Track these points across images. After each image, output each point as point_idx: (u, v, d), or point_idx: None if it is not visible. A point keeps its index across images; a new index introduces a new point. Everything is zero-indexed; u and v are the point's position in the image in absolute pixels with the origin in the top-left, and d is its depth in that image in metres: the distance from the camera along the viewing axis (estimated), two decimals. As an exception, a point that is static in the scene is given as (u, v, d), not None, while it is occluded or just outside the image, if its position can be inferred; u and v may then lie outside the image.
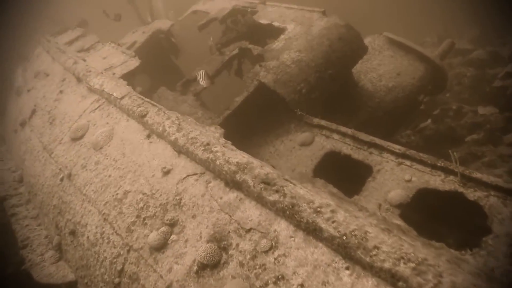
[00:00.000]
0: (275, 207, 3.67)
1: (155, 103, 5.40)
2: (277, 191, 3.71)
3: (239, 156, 4.12)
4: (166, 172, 4.59)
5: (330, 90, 7.57)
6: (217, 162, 4.13)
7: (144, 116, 5.18)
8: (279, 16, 8.46)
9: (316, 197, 3.56)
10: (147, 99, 5.53)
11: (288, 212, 3.55)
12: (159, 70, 10.65)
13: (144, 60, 10.15)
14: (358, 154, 6.42)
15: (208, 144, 4.35)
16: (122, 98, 5.71)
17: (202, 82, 6.84)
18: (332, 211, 3.35)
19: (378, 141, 6.30)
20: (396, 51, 9.11)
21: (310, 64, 7.38)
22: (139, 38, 10.51)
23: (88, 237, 4.99)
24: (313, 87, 7.33)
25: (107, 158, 5.31)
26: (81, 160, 5.61)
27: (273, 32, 8.56)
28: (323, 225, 3.28)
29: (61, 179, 5.74)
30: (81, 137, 5.91)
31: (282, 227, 3.59)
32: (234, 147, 4.43)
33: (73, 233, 5.28)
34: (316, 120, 7.08)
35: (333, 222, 3.26)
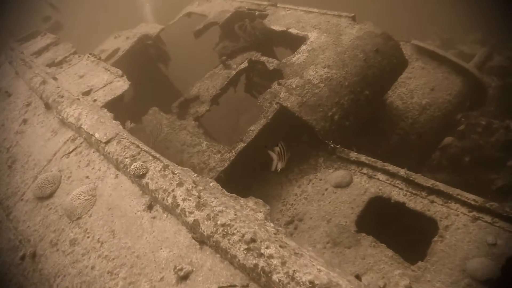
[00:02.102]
0: None
1: (156, 154, 3.58)
2: None
3: (312, 269, 2.38)
4: (183, 277, 2.79)
5: (366, 115, 5.89)
6: (274, 277, 2.39)
7: (143, 176, 3.37)
8: (297, 22, 6.69)
9: None
10: (145, 147, 3.71)
11: None
12: (146, 83, 8.74)
13: (128, 70, 8.27)
14: (415, 202, 4.78)
15: (253, 240, 2.59)
16: (107, 142, 3.87)
17: (277, 166, 4.73)
18: None
19: (442, 187, 4.66)
20: (428, 62, 7.49)
21: (343, 83, 5.67)
22: (123, 44, 8.57)
23: None
24: (347, 112, 5.63)
25: (88, 236, 3.47)
26: (50, 234, 3.75)
27: (289, 41, 6.81)
28: None
29: (22, 257, 3.86)
30: (50, 195, 4.04)
31: None
32: (295, 245, 2.67)
33: None
34: (353, 155, 5.39)
35: None
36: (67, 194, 3.92)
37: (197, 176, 3.32)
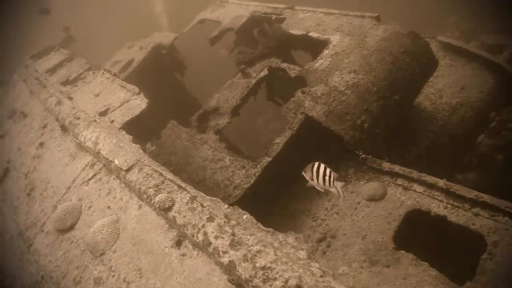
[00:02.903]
0: None
1: (181, 183, 3.28)
2: None
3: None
4: (222, 328, 2.50)
5: (397, 121, 5.52)
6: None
7: (169, 209, 3.07)
8: (317, 25, 6.33)
9: None
10: (169, 175, 3.41)
11: None
12: (162, 93, 8.47)
13: (143, 81, 8.01)
14: (458, 215, 4.40)
15: (298, 287, 2.27)
16: (128, 169, 3.59)
17: (334, 189, 4.12)
18: None
19: (488, 198, 4.28)
20: (456, 59, 7.05)
21: (371, 88, 5.31)
22: (136, 55, 8.31)
23: None
24: (377, 119, 5.27)
25: (113, 275, 3.20)
26: (73, 270, 3.49)
27: (310, 45, 6.46)
28: None
29: (45, 295, 3.62)
30: (71, 227, 3.78)
31: None
32: (347, 291, 2.35)
33: None
34: (386, 165, 5.03)
35: None
36: (88, 227, 3.66)
37: (228, 207, 3.01)
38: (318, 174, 3.96)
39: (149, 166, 3.51)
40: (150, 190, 3.28)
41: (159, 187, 3.25)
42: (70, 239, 3.73)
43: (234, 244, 2.62)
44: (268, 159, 5.08)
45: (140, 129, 5.19)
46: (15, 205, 4.75)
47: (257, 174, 5.02)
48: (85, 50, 10.40)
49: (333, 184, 3.84)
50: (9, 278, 4.26)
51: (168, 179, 3.30)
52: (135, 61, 8.04)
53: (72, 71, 6.31)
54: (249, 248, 2.56)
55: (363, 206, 4.98)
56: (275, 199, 5.46)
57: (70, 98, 5.36)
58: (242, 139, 11.90)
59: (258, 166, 5.09)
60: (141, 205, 3.44)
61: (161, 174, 3.37)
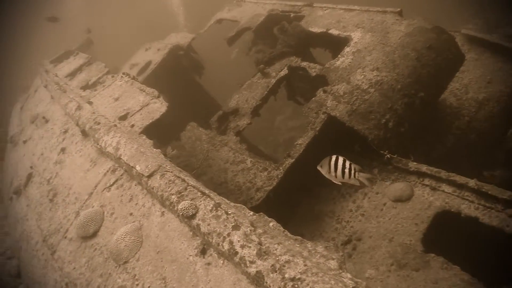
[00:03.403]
0: None
1: (204, 189, 3.19)
2: None
3: None
4: None
5: (422, 119, 5.33)
6: None
7: (192, 217, 2.98)
8: (337, 22, 6.16)
9: None
10: (191, 181, 3.32)
11: None
12: (181, 94, 8.42)
13: (161, 83, 7.97)
14: (490, 216, 4.20)
15: (331, 300, 2.16)
16: (150, 175, 3.52)
17: (355, 180, 3.91)
18: None
19: (522, 199, 4.08)
20: (481, 53, 6.79)
21: (395, 86, 5.12)
22: (154, 57, 8.28)
23: None
24: (401, 117, 5.09)
25: (137, 284, 3.13)
26: (97, 278, 3.44)
27: (330, 43, 6.30)
28: None
29: (70, 304, 3.58)
30: (94, 234, 3.74)
31: None
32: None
33: None
34: (412, 165, 4.85)
35: None
36: (111, 234, 3.60)
37: (253, 214, 2.90)
38: (336, 167, 3.82)
39: (171, 172, 3.42)
40: (173, 196, 3.20)
41: (182, 193, 3.16)
42: (93, 246, 3.68)
43: (261, 253, 2.51)
44: (290, 161, 4.96)
45: (160, 132, 5.13)
46: (38, 210, 4.75)
47: (279, 176, 4.91)
48: (103, 53, 10.45)
49: (355, 175, 3.69)
50: (35, 284, 4.25)
51: (191, 185, 3.21)
52: (153, 63, 8.02)
53: (91, 75, 6.30)
54: (277, 258, 2.45)
55: (389, 208, 4.82)
56: (297, 201, 5.34)
57: (90, 103, 5.34)
58: (260, 138, 11.79)
59: (281, 168, 4.97)
60: (163, 211, 3.36)
61: (183, 180, 3.29)
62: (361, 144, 5.12)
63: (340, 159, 3.82)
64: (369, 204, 4.99)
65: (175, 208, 3.14)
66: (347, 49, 5.63)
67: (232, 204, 3.04)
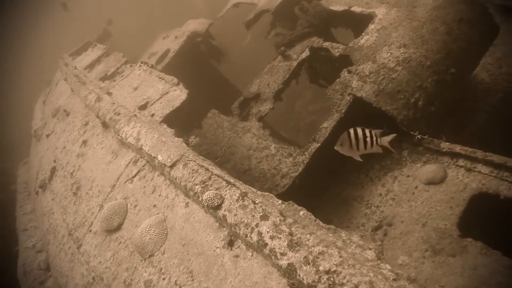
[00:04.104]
0: None
1: (230, 178, 3.02)
2: None
3: None
4: (284, 336, 2.25)
5: (454, 97, 5.03)
6: None
7: (218, 207, 2.83)
8: (359, -2, 5.86)
9: None
10: (215, 169, 3.16)
11: None
12: (200, 81, 8.26)
13: (181, 71, 7.82)
14: (531, 198, 3.93)
15: (372, 295, 1.97)
16: (172, 165, 3.38)
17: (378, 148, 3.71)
18: None
19: None
20: (515, 24, 6.37)
21: (424, 63, 4.83)
22: (172, 44, 8.12)
23: None
24: (431, 96, 4.80)
25: (163, 278, 3.01)
26: (123, 272, 3.35)
27: (353, 21, 6.01)
28: None
29: (98, 298, 3.51)
30: (118, 227, 3.64)
31: None
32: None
33: None
34: (445, 145, 4.58)
35: None
36: (135, 226, 3.49)
37: (282, 203, 2.73)
38: (357, 139, 3.60)
39: (194, 161, 3.27)
40: (197, 187, 3.05)
41: (206, 183, 3.01)
42: (118, 240, 3.58)
43: (293, 245, 2.34)
44: (316, 145, 4.76)
45: (181, 120, 4.99)
46: (63, 204, 4.70)
47: (305, 162, 4.72)
48: (121, 44, 10.35)
49: (377, 142, 3.46)
50: (63, 277, 4.21)
51: (215, 174, 3.05)
52: (171, 51, 7.87)
53: (109, 66, 6.19)
54: (310, 250, 2.28)
55: (422, 191, 4.58)
56: (324, 186, 5.14)
57: (109, 94, 5.23)
58: (281, 123, 11.56)
59: (306, 153, 4.78)
60: (188, 202, 3.22)
61: (207, 169, 3.13)
62: (390, 125, 4.87)
63: (359, 130, 3.59)
64: (400, 188, 4.76)
65: (200, 199, 3.00)
66: (371, 26, 5.34)
67: (259, 192, 2.87)
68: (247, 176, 5.10)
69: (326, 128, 4.81)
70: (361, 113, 4.88)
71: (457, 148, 4.46)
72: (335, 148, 3.69)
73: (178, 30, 8.51)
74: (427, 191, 4.52)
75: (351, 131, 3.48)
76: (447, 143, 4.58)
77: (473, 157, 4.34)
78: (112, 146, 4.48)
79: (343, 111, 4.82)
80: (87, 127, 5.19)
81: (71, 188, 4.62)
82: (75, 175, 4.76)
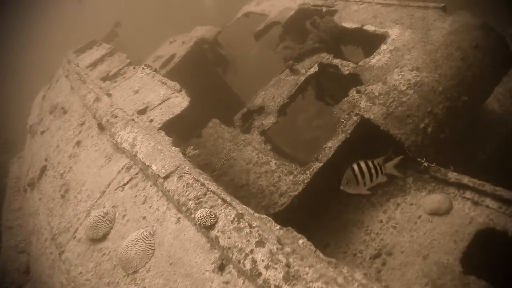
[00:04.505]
0: None
1: (226, 196, 2.80)
2: None
3: None
4: None
5: (464, 125, 4.83)
6: None
7: (211, 227, 2.61)
8: (373, 17, 5.69)
9: None
10: (212, 185, 2.94)
11: None
12: (204, 89, 8.07)
13: (185, 77, 7.64)
14: (543, 238, 3.70)
15: None
16: (166, 177, 3.16)
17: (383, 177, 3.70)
18: None
19: None
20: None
21: (436, 88, 4.64)
22: (178, 50, 7.96)
23: None
24: (442, 122, 4.60)
25: (146, 298, 2.78)
26: (104, 287, 3.11)
27: (364, 40, 5.83)
28: None
29: (74, 312, 3.26)
30: (104, 237, 3.40)
31: None
32: None
33: None
34: (452, 175, 4.36)
35: None
36: (122, 238, 3.26)
37: (280, 229, 2.50)
38: (363, 174, 3.45)
39: (190, 174, 3.06)
40: (190, 202, 2.83)
41: (201, 199, 2.79)
42: (102, 251, 3.35)
43: (289, 277, 2.11)
44: (318, 165, 4.54)
45: (181, 128, 4.79)
46: (50, 206, 4.47)
47: (306, 181, 4.50)
48: (128, 45, 10.21)
49: (382, 171, 3.32)
50: (42, 284, 3.96)
51: (211, 191, 2.83)
52: (177, 56, 7.70)
53: (112, 66, 6.00)
54: (308, 285, 2.05)
55: (425, 221, 4.35)
56: (323, 207, 4.92)
57: (109, 95, 5.03)
58: (283, 136, 11.37)
59: (307, 172, 4.56)
60: (179, 218, 3.00)
61: (203, 184, 2.91)
62: (396, 150, 4.67)
63: (363, 164, 3.43)
64: (402, 216, 4.53)
65: (192, 216, 2.77)
66: (383, 46, 5.16)
67: (256, 215, 2.64)
68: (244, 191, 4.88)
69: (330, 148, 4.60)
70: (367, 135, 4.68)
71: (465, 179, 4.24)
72: (341, 188, 3.52)
73: (186, 36, 8.35)
74: (430, 222, 4.30)
75: (355, 167, 3.31)
76: (455, 173, 4.37)
77: (481, 190, 4.13)
78: (106, 150, 4.26)
79: (349, 131, 4.62)
80: (82, 128, 4.98)
81: (59, 189, 4.40)
82: (65, 176, 4.54)
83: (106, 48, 6.91)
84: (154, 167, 3.29)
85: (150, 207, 3.28)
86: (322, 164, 4.54)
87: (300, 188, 4.47)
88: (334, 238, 4.72)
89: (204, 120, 6.14)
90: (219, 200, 2.73)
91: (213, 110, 6.76)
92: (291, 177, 4.65)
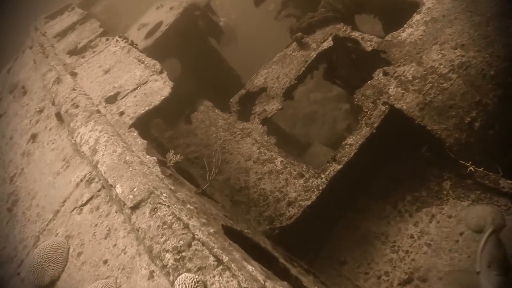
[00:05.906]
0: None
1: (220, 252, 1.80)
2: None
3: None
4: None
5: (519, 117, 3.81)
6: None
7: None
8: (401, -21, 4.55)
9: None
10: (200, 232, 1.92)
11: None
12: (195, 63, 6.92)
13: (172, 49, 6.49)
14: None
15: None
16: (135, 206, 2.14)
17: None
18: None
19: None
20: None
21: (487, 71, 3.62)
22: (166, 16, 6.74)
23: None
24: (491, 115, 3.59)
25: None
26: None
27: (388, 8, 4.70)
28: None
29: None
30: (51, 284, 2.41)
31: None
32: None
33: None
34: (505, 183, 3.39)
35: None
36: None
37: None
38: None
39: (168, 206, 2.03)
40: (168, 256, 1.82)
41: (183, 254, 1.78)
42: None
43: None
44: (337, 167, 3.55)
45: (164, 112, 3.71)
46: (-5, 220, 3.43)
47: (321, 188, 3.52)
48: (120, 9, 8.84)
49: None
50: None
51: (198, 240, 1.82)
52: (164, 24, 6.50)
53: (82, 37, 4.83)
54: None
55: (469, 240, 3.43)
56: (341, 214, 3.95)
57: (74, 74, 3.90)
58: (280, 111, 10.34)
59: (323, 176, 3.57)
60: (153, 271, 1.99)
61: (186, 226, 1.89)
62: (433, 148, 3.66)
63: None
64: (438, 231, 3.60)
65: (170, 278, 1.77)
66: (417, 16, 4.07)
67: (270, 285, 1.64)
68: (243, 196, 3.90)
69: (351, 145, 3.59)
70: (397, 130, 3.66)
71: (522, 189, 3.28)
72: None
73: (175, 0, 7.09)
74: (476, 242, 3.36)
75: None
76: (508, 181, 3.40)
77: (544, 205, 3.18)
78: (64, 150, 3.19)
79: (375, 125, 3.60)
80: (40, 116, 3.88)
81: (7, 199, 3.35)
82: (15, 181, 3.48)
83: (78, 14, 5.69)
84: (118, 189, 2.25)
85: (115, 245, 2.26)
86: (341, 165, 3.55)
87: (314, 197, 3.52)
88: (351, 253, 3.79)
89: (194, 102, 5.07)
90: (211, 258, 1.72)
91: (205, 91, 5.68)
92: (301, 181, 3.66)
